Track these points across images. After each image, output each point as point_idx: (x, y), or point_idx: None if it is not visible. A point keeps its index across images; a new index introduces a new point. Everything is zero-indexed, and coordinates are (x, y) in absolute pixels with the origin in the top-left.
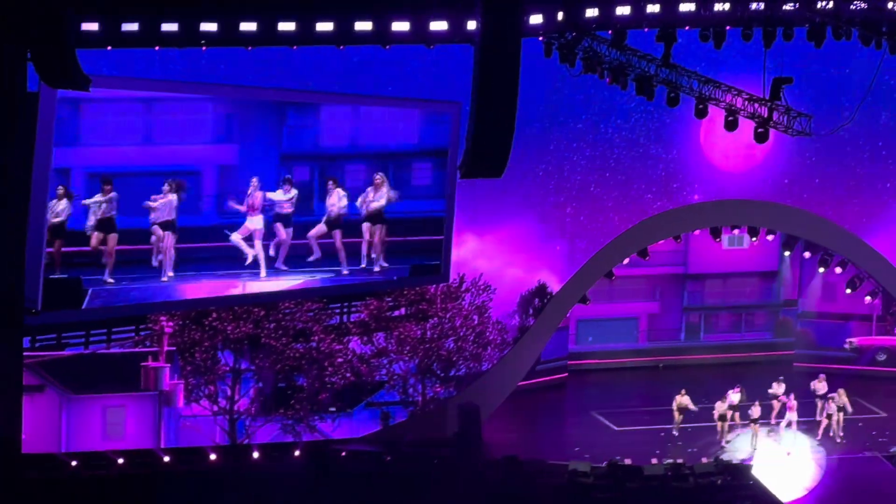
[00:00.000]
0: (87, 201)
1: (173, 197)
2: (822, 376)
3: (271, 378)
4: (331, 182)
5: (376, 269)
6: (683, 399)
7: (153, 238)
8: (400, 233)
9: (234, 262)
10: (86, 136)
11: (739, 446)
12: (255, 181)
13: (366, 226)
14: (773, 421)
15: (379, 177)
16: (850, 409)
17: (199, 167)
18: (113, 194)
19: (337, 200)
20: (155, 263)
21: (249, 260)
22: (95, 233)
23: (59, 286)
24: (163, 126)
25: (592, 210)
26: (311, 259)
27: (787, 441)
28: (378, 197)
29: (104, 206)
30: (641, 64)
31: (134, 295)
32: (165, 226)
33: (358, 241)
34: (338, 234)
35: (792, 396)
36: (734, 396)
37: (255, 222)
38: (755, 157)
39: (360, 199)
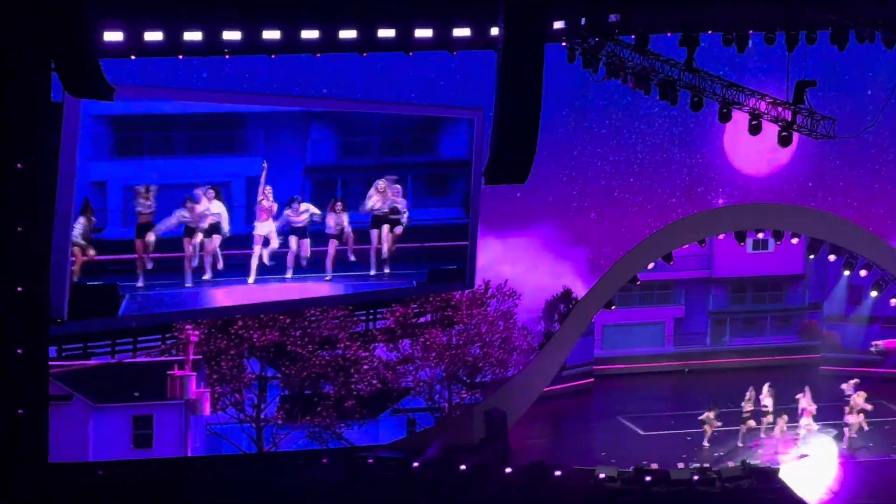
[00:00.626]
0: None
1: (214, 203)
2: (855, 381)
3: (297, 386)
4: (339, 203)
5: (385, 270)
6: (710, 415)
7: (192, 242)
8: (419, 239)
9: (262, 268)
10: (120, 149)
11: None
12: (268, 190)
13: (374, 232)
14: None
15: (382, 183)
16: (868, 408)
17: (228, 179)
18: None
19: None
20: (189, 269)
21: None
22: (138, 239)
23: (95, 293)
24: (192, 140)
25: (616, 215)
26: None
27: (805, 444)
28: (383, 202)
29: (146, 207)
30: (665, 68)
31: (166, 301)
32: (210, 230)
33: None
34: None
35: (809, 398)
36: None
37: (262, 228)
38: (779, 161)
39: (368, 204)
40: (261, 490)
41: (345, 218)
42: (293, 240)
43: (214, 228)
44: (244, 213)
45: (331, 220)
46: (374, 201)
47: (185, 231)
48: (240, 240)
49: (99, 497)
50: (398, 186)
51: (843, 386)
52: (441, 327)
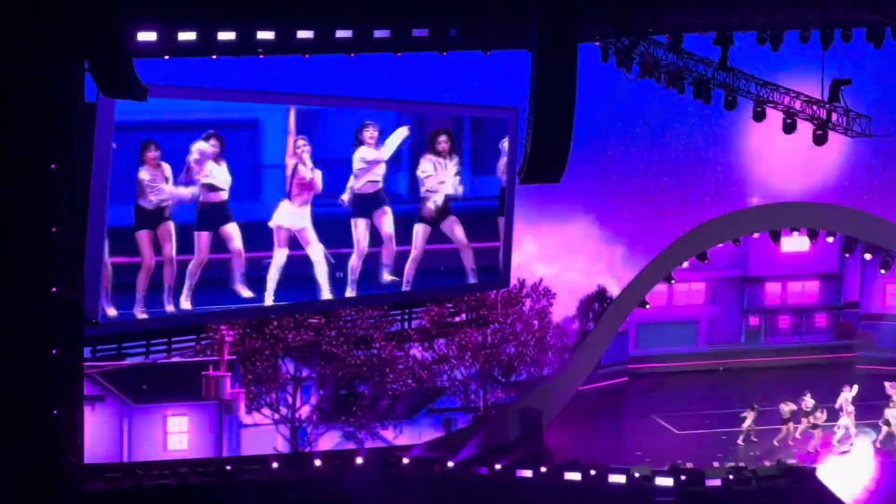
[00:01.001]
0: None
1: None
2: (894, 384)
3: (332, 385)
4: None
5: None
6: (752, 414)
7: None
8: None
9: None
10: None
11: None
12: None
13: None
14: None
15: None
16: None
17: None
18: None
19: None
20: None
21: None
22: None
23: None
24: None
25: (651, 214)
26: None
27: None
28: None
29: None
30: (698, 68)
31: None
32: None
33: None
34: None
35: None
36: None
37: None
38: (814, 160)
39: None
40: (295, 490)
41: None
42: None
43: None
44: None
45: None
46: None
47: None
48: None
49: (133, 498)
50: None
51: (887, 384)
52: (476, 326)
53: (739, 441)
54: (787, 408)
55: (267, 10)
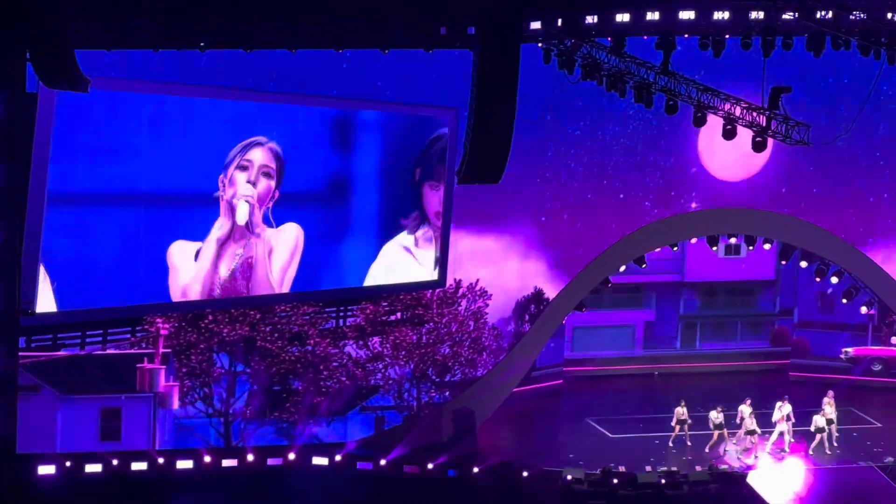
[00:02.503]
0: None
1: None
2: (831, 394)
3: (266, 381)
4: None
5: None
6: (682, 410)
7: None
8: None
9: None
10: None
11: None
12: None
13: None
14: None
15: None
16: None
17: None
18: None
19: None
20: None
21: None
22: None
23: None
24: None
25: (589, 217)
26: None
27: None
28: None
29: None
30: (640, 71)
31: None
32: None
33: None
34: None
35: (782, 408)
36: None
37: None
38: (753, 166)
39: None
40: (227, 484)
41: None
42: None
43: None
44: None
45: None
46: None
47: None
48: None
49: (65, 488)
50: None
51: (826, 400)
52: (411, 326)
53: (670, 443)
54: (716, 415)
55: (212, 5)
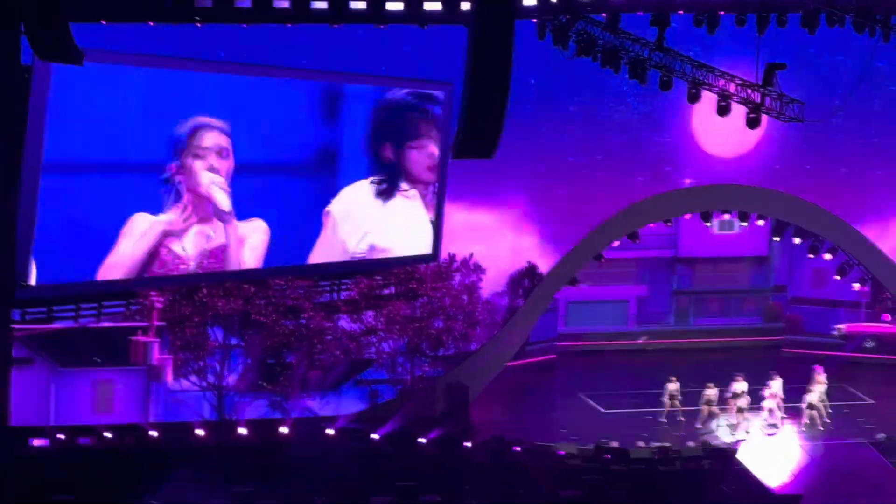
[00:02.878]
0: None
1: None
2: (820, 369)
3: (260, 354)
4: None
5: None
6: (674, 385)
7: None
8: None
9: None
10: None
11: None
12: None
13: None
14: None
15: None
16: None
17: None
18: None
19: None
20: None
21: None
22: None
23: None
24: None
25: (583, 192)
26: None
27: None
28: None
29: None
30: (635, 47)
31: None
32: None
33: None
34: None
35: (772, 384)
36: (739, 385)
37: None
38: (747, 143)
39: None
40: (220, 457)
41: None
42: None
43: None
44: None
45: None
46: None
47: None
48: None
49: (58, 461)
50: None
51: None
52: (405, 300)
53: (663, 419)
54: (709, 391)
55: None
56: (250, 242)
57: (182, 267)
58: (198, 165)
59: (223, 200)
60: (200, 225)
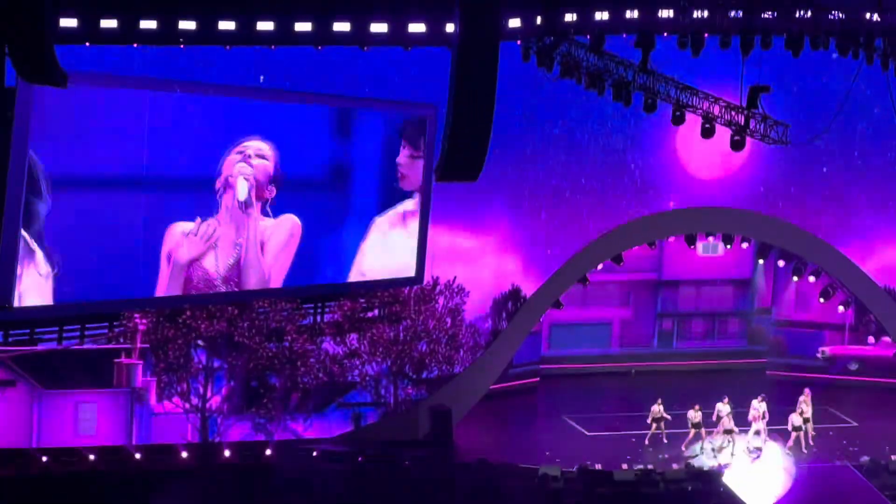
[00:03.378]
0: None
1: None
2: (808, 392)
3: (244, 377)
4: None
5: None
6: (658, 408)
7: None
8: None
9: None
10: None
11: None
12: None
13: None
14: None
15: None
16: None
17: None
18: None
19: None
20: None
21: None
22: None
23: None
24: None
25: (567, 215)
26: None
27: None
28: None
29: None
30: (619, 69)
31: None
32: None
33: None
34: None
35: (756, 408)
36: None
37: None
38: (731, 165)
39: None
40: (204, 479)
41: None
42: None
43: None
44: None
45: None
46: None
47: None
48: None
49: (41, 484)
50: None
51: (801, 398)
52: (388, 322)
53: (646, 441)
54: (694, 413)
55: (189, 0)
56: (275, 240)
57: (212, 277)
58: (235, 159)
59: (242, 190)
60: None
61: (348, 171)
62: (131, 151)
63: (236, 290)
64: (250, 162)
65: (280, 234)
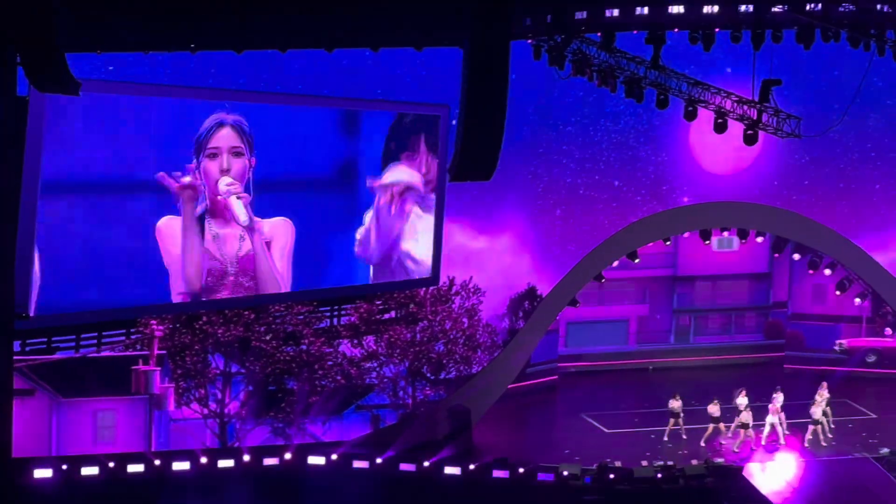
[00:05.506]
0: None
1: None
2: (825, 386)
3: (262, 381)
4: None
5: None
6: (676, 403)
7: None
8: None
9: None
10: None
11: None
12: None
13: None
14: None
15: None
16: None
17: None
18: None
19: None
20: None
21: None
22: None
23: None
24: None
25: (582, 212)
26: None
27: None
28: None
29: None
30: (631, 66)
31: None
32: None
33: None
34: None
35: (775, 400)
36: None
37: None
38: (744, 160)
39: None
40: (223, 485)
41: None
42: None
43: None
44: None
45: None
46: None
47: None
48: None
49: (61, 492)
50: None
51: (820, 390)
52: (405, 324)
53: (665, 437)
54: (714, 408)
55: (200, 5)
56: (277, 243)
57: (219, 269)
58: (212, 167)
59: (241, 212)
60: (230, 228)
61: (356, 171)
62: (141, 156)
63: (252, 294)
64: (228, 167)
65: (282, 233)
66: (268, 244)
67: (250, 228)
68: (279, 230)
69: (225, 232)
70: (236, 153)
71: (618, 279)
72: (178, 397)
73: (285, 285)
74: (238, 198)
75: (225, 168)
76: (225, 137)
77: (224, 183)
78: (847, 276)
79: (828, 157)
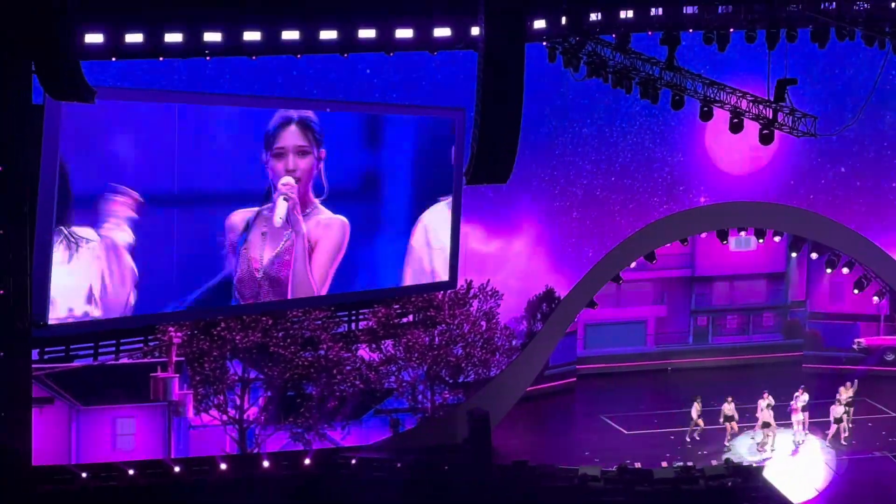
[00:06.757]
0: None
1: None
2: (848, 385)
3: (280, 387)
4: None
5: None
6: (698, 404)
7: None
8: None
9: None
10: None
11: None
12: None
13: None
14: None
15: None
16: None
17: None
18: None
19: None
20: None
21: None
22: None
23: None
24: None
25: (599, 214)
26: None
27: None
28: None
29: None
30: (645, 67)
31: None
32: None
33: None
34: None
35: (797, 400)
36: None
37: None
38: (761, 159)
39: None
40: (243, 491)
41: None
42: None
43: None
44: None
45: None
46: None
47: None
48: None
49: (81, 500)
50: None
51: (842, 388)
52: (423, 328)
53: (687, 438)
54: (728, 406)
55: (214, 12)
56: (326, 244)
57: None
58: (278, 167)
59: (280, 213)
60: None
61: (381, 178)
62: (161, 166)
63: (279, 299)
64: (293, 168)
65: (330, 237)
66: (314, 245)
67: (296, 231)
68: (333, 230)
69: (274, 231)
70: (302, 152)
71: (635, 280)
72: (196, 404)
73: (319, 288)
74: (285, 199)
75: (291, 168)
76: (291, 136)
77: (281, 182)
78: (865, 275)
79: (844, 156)
